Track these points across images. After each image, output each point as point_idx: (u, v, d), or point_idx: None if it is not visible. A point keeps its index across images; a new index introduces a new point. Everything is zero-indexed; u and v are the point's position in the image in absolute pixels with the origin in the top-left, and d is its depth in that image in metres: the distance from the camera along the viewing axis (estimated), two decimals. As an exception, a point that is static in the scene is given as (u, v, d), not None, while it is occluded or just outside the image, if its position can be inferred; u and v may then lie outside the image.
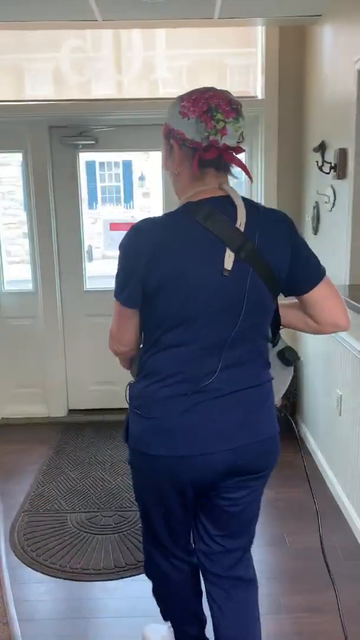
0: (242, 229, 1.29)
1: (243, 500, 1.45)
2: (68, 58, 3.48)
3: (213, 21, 2.95)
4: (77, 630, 1.98)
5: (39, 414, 3.82)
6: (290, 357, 1.51)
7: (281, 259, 1.34)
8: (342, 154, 2.55)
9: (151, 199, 4.27)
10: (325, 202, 2.83)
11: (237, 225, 1.29)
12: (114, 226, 3.66)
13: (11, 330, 3.79)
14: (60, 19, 2.90)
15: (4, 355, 3.80)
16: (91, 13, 2.79)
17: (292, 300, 1.45)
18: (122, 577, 2.22)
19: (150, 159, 4.55)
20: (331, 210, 2.77)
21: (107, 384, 3.85)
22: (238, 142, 1.31)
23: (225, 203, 1.31)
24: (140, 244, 1.29)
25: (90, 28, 3.25)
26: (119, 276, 1.35)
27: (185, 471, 1.36)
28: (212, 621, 1.54)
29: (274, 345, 1.50)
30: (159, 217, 1.36)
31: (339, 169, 2.58)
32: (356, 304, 2.13)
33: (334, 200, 2.72)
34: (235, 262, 1.27)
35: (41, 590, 2.17)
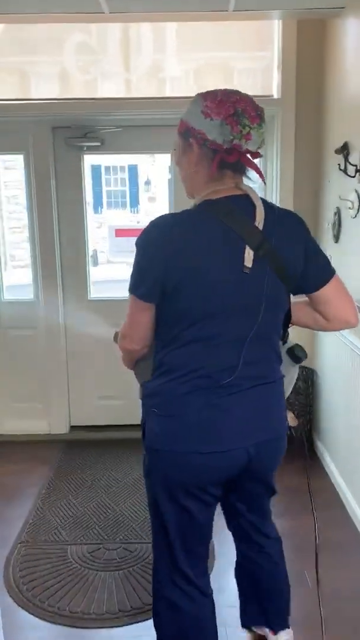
0: (260, 227, 1.31)
1: (262, 485, 1.56)
2: (73, 55, 3.29)
3: (227, 14, 2.74)
4: None
5: (39, 430, 3.61)
6: (299, 355, 1.55)
7: (296, 258, 1.37)
8: (370, 155, 2.34)
9: (157, 204, 4.18)
10: (349, 208, 2.62)
11: (256, 223, 1.31)
12: (119, 232, 3.45)
13: (11, 341, 3.58)
14: (65, 11, 2.70)
15: (3, 368, 3.59)
16: (97, 5, 2.59)
17: (301, 297, 1.48)
18: (127, 624, 2.00)
19: (156, 163, 4.38)
20: (355, 216, 2.56)
21: (112, 399, 3.64)
22: (258, 148, 1.33)
23: (244, 202, 1.34)
24: (159, 241, 1.30)
25: (97, 22, 3.05)
26: (136, 271, 1.35)
27: (207, 468, 1.37)
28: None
29: (284, 342, 1.54)
30: (177, 213, 1.37)
31: (366, 172, 2.37)
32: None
33: (359, 205, 2.51)
34: (254, 260, 1.30)
35: (36, 637, 1.96)
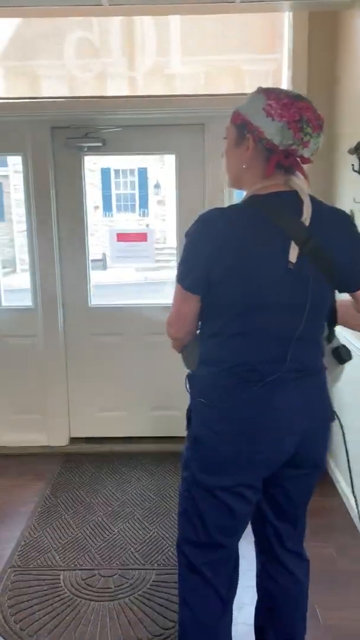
0: (307, 223, 1.31)
1: (297, 492, 1.51)
2: (73, 52, 3.15)
3: (234, 5, 2.59)
4: None
5: (37, 442, 3.46)
6: (344, 355, 1.54)
7: (342, 255, 1.36)
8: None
9: (166, 207, 4.07)
10: (363, 212, 2.45)
11: (302, 219, 1.31)
12: (121, 237, 3.29)
13: (8, 350, 3.44)
14: (62, 3, 2.56)
15: (1, 378, 3.45)
16: (96, -4, 2.45)
17: (347, 297, 1.46)
18: (120, 663, 1.85)
19: (165, 166, 4.24)
20: (370, 220, 2.38)
21: (114, 410, 3.49)
22: (312, 155, 1.36)
23: (292, 198, 1.34)
24: (205, 234, 1.33)
25: (95, 15, 2.90)
26: (183, 262, 1.39)
27: (251, 461, 1.38)
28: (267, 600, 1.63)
29: (329, 342, 1.53)
30: (225, 208, 1.39)
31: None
32: None
33: (374, 209, 2.34)
34: (299, 255, 1.30)
35: None
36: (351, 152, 2.50)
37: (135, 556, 2.37)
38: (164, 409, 3.41)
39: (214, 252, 1.32)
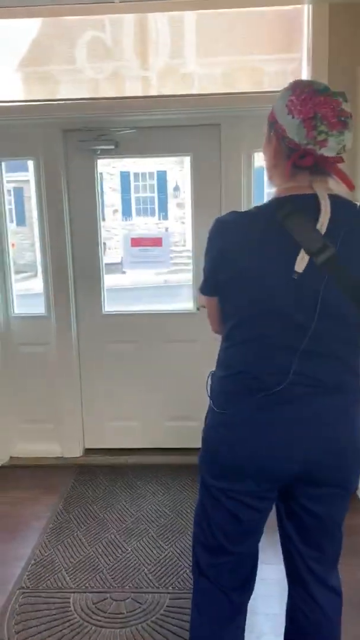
0: (323, 231, 1.22)
1: (321, 512, 1.38)
2: (85, 52, 3.06)
3: (252, -1, 2.48)
4: None
5: (50, 453, 3.38)
6: None
7: None
8: None
9: (186, 210, 4.02)
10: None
11: (318, 226, 1.22)
12: (136, 242, 3.19)
13: (21, 358, 3.37)
14: (70, 2, 2.47)
15: (13, 386, 3.38)
16: (106, -7, 2.36)
17: None
18: None
19: (184, 169, 4.14)
20: None
21: (128, 420, 3.39)
22: (338, 154, 1.25)
23: (312, 202, 1.25)
24: (216, 237, 1.33)
25: (105, 13, 2.81)
26: (204, 265, 1.40)
27: (248, 468, 1.33)
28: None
29: None
30: (243, 211, 1.36)
31: None
32: None
33: None
34: (310, 266, 1.21)
35: None
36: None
37: (149, 578, 2.26)
38: (181, 419, 3.29)
39: (220, 255, 1.32)
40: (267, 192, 3.79)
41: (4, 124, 3.09)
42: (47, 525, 2.67)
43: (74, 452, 3.38)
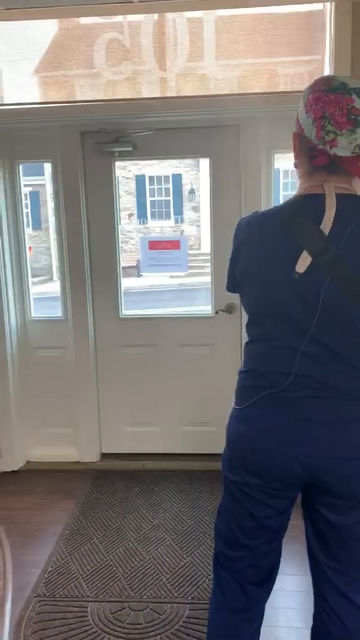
0: (326, 231, 1.20)
1: (336, 522, 1.33)
2: (103, 53, 3.04)
3: (273, -3, 2.43)
4: None
5: (68, 457, 3.35)
6: None
7: None
8: None
9: (201, 213, 3.96)
10: None
11: (321, 227, 1.20)
12: (153, 245, 3.16)
13: (38, 362, 3.35)
14: (88, 2, 2.45)
15: (31, 391, 3.36)
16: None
17: None
18: None
19: (201, 171, 4.11)
20: None
21: (146, 425, 3.35)
22: (353, 153, 1.22)
23: (320, 202, 1.23)
24: (235, 236, 1.38)
25: (124, 13, 2.78)
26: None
27: (252, 464, 1.34)
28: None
29: None
30: (265, 210, 1.36)
31: None
32: None
33: None
34: (312, 266, 1.20)
35: None
36: None
37: (167, 587, 2.22)
38: (199, 424, 3.24)
39: (235, 254, 1.38)
40: (283, 194, 3.74)
41: (22, 126, 3.08)
42: (64, 532, 2.63)
43: (91, 456, 3.34)
